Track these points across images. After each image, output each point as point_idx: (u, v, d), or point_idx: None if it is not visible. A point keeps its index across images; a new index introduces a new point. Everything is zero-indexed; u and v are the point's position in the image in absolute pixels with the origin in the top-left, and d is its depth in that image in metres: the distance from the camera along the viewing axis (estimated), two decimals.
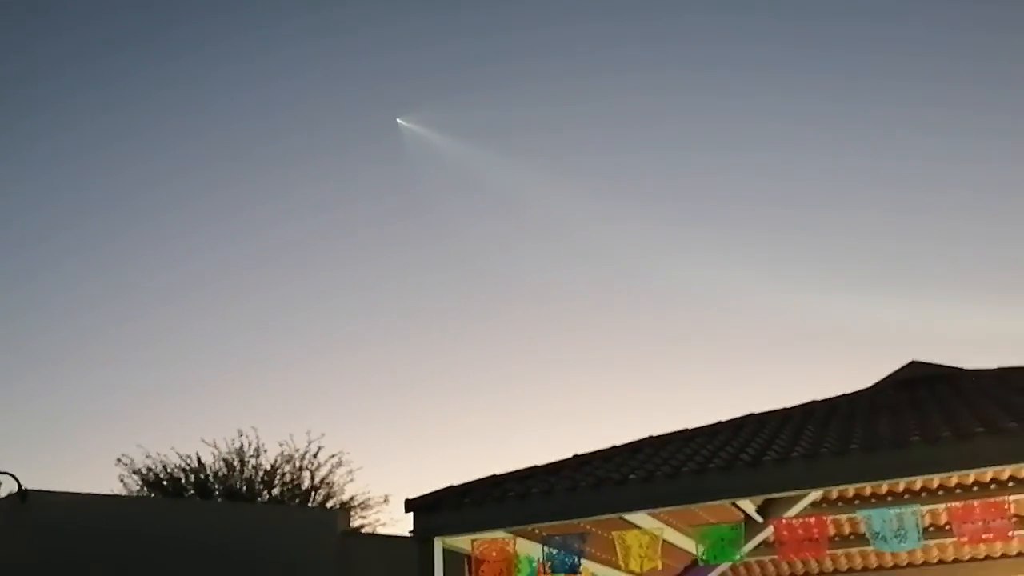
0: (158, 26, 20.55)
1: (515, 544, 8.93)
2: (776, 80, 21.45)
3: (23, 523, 12.92)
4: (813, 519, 9.19)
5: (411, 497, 8.79)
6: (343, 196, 23.10)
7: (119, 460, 19.34)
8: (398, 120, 20.64)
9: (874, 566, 13.76)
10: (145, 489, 19.35)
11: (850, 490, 11.45)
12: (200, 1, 20.72)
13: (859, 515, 9.11)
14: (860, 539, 12.06)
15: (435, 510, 8.70)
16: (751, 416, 10.46)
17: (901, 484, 11.02)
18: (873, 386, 11.45)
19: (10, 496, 13.31)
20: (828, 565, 13.89)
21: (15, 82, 20.35)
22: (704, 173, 22.51)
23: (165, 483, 19.39)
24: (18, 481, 13.14)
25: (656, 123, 22.02)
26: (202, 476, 19.55)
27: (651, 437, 9.96)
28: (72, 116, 21.43)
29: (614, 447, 9.71)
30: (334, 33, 21.32)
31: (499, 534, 8.87)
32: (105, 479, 24.04)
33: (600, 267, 23.61)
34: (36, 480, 13.70)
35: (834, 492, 11.65)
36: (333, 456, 19.92)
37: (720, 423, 10.29)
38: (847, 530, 12.65)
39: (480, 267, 23.77)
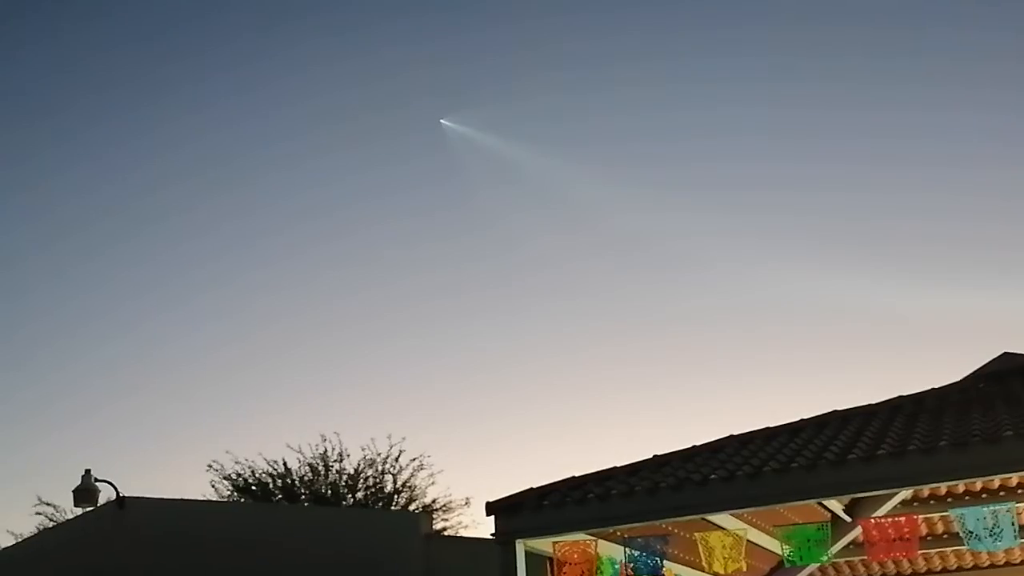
0: (197, 21, 21.13)
1: (597, 546, 8.93)
2: (842, 65, 20.96)
3: (122, 528, 13.42)
4: (903, 518, 8.98)
5: (492, 500, 8.86)
6: (402, 203, 23.40)
7: (210, 466, 19.95)
8: (442, 121, 20.71)
9: (969, 566, 13.34)
10: (235, 494, 19.90)
11: (942, 488, 11.12)
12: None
13: (951, 513, 8.86)
14: (953, 538, 11.72)
15: (516, 512, 8.75)
16: (835, 413, 10.25)
17: (996, 481, 10.65)
18: (963, 379, 11.08)
19: (109, 503, 13.83)
20: (920, 565, 13.51)
21: (21, 84, 21.12)
22: (768, 163, 22.09)
23: (254, 488, 19.90)
24: (116, 488, 13.66)
25: (707, 111, 21.72)
26: (289, 481, 20.01)
27: (732, 436, 9.83)
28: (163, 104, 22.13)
29: (694, 447, 9.62)
30: (376, 36, 21.57)
31: (580, 536, 8.88)
32: (197, 484, 24.82)
33: (666, 260, 23.41)
34: (133, 487, 14.20)
35: (925, 490, 11.33)
36: (414, 460, 20.19)
37: (803, 420, 10.10)
38: (940, 529, 12.30)
39: (550, 270, 23.82)
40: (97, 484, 13.50)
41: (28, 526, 19.75)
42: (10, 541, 17.51)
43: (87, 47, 21.12)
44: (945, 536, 12.31)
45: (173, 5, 21.11)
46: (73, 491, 13.45)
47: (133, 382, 24.99)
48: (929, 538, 12.36)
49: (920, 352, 22.30)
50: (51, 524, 18.73)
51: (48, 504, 19.41)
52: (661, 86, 21.43)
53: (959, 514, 8.38)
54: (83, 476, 13.46)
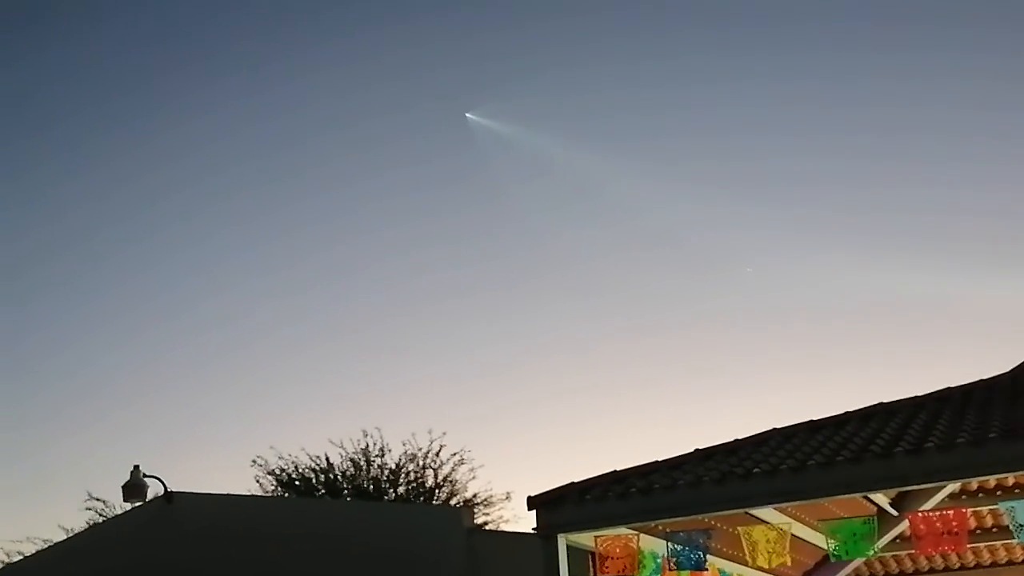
0: (215, 22, 21.25)
1: (639, 540, 8.91)
2: (883, 60, 20.64)
3: (169, 523, 13.65)
4: (952, 511, 8.82)
5: (533, 494, 8.87)
6: (437, 198, 23.42)
7: (254, 462, 20.20)
8: (467, 115, 20.66)
9: (1019, 560, 13.10)
10: (279, 489, 20.13)
11: (991, 480, 10.94)
12: None
13: (1001, 506, 8.72)
14: (1003, 531, 11.51)
15: (557, 507, 8.75)
16: (880, 405, 10.11)
17: None
18: (1012, 370, 10.86)
19: (157, 498, 14.07)
20: (969, 559, 13.30)
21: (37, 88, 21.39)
22: (804, 157, 21.82)
23: (297, 483, 20.12)
24: (164, 484, 13.88)
25: (732, 105, 21.50)
26: (331, 476, 20.20)
27: (776, 429, 9.74)
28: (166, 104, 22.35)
29: (737, 440, 9.55)
30: (398, 31, 21.54)
31: (622, 530, 8.87)
32: (242, 479, 25.18)
33: (703, 255, 23.23)
34: (180, 482, 14.45)
35: (973, 483, 11.15)
36: (455, 454, 20.27)
37: (848, 413, 9.98)
38: (989, 522, 12.10)
39: (587, 265, 23.75)
40: (146, 480, 13.72)
41: (79, 521, 20.19)
42: (62, 536, 17.91)
43: (92, 54, 21.42)
44: (994, 529, 12.11)
45: (193, 5, 21.31)
46: (122, 487, 13.68)
47: (179, 378, 25.45)
48: (978, 531, 12.16)
49: (968, 344, 21.94)
50: (101, 519, 19.10)
51: (98, 499, 19.78)
52: (694, 81, 21.30)
53: (1009, 507, 8.23)
54: (132, 472, 13.69)
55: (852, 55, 20.82)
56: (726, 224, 22.81)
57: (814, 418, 9.92)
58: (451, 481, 20.28)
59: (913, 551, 12.41)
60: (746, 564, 9.32)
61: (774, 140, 21.99)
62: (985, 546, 12.79)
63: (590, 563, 8.96)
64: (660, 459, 9.23)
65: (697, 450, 9.37)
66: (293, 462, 20.14)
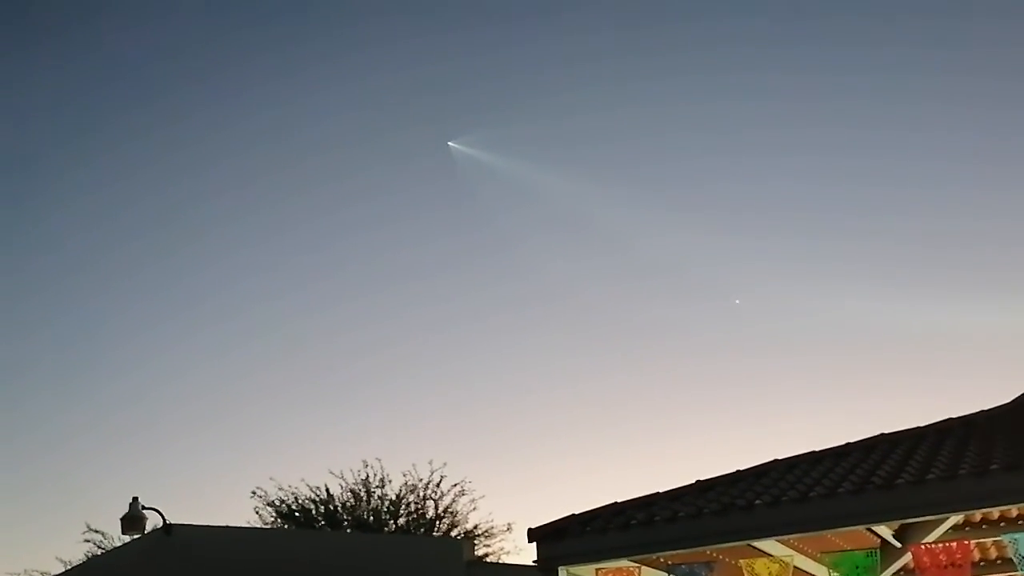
0: (208, 40, 21.27)
1: (640, 572, 8.87)
2: (895, 82, 20.71)
3: (168, 555, 13.56)
4: (955, 543, 8.81)
5: (534, 526, 8.84)
6: (428, 226, 23.40)
7: (254, 493, 20.11)
8: (449, 143, 20.68)
9: None
10: (279, 520, 20.03)
11: (994, 512, 10.88)
12: (248, 24, 21.24)
13: (1004, 538, 8.69)
14: (1007, 563, 11.44)
15: (558, 539, 8.73)
16: (882, 436, 10.10)
17: None
18: (1014, 400, 10.87)
19: (156, 530, 13.99)
20: None
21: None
22: (804, 183, 21.80)
23: (297, 514, 20.02)
24: (163, 515, 13.81)
25: (718, 130, 21.48)
26: (331, 507, 20.10)
27: (777, 460, 9.73)
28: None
29: (739, 471, 9.53)
30: (381, 62, 21.54)
31: (623, 562, 8.82)
32: (242, 511, 25.03)
33: (698, 285, 23.18)
34: (179, 514, 14.37)
35: (977, 515, 11.09)
36: (456, 485, 20.19)
37: (849, 444, 9.97)
38: (993, 554, 12.02)
39: (585, 296, 23.70)
40: (144, 511, 13.64)
41: (77, 553, 20.05)
42: (60, 568, 17.79)
43: (118, 65, 21.48)
44: (998, 561, 12.03)
45: (186, 26, 21.28)
46: (121, 519, 13.61)
47: (178, 409, 25.34)
48: (982, 563, 12.08)
49: (969, 374, 21.90)
50: (99, 551, 19.00)
51: (96, 531, 19.70)
52: (684, 105, 21.25)
53: (1012, 539, 8.20)
54: (131, 504, 13.62)
55: (851, 76, 20.89)
56: (721, 252, 22.80)
57: (815, 449, 9.90)
58: (452, 512, 20.20)
59: None
60: None
61: (770, 166, 22.03)
62: None
63: None
64: (661, 491, 9.21)
65: (698, 481, 9.34)
66: (293, 493, 20.07)
